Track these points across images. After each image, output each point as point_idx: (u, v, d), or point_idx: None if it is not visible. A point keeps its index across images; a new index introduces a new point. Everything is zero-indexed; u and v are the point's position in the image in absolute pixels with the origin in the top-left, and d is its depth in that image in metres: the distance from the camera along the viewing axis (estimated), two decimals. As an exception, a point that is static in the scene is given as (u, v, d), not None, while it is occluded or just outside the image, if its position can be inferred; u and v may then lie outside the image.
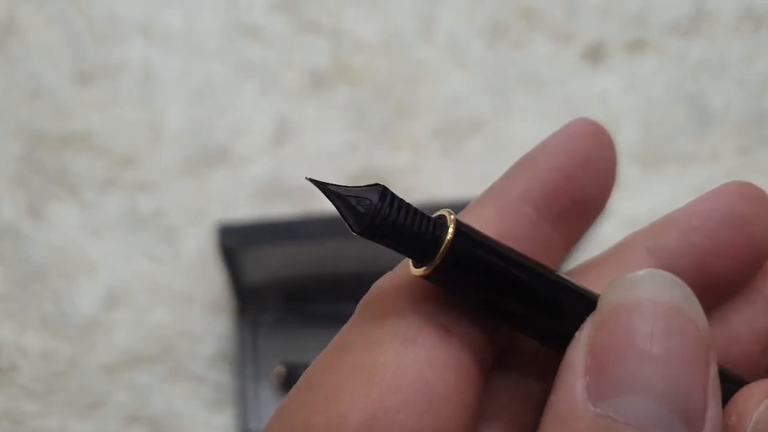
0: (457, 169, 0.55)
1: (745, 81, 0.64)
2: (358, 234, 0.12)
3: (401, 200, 0.13)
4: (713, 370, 0.11)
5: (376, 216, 0.12)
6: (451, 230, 0.12)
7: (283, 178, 0.52)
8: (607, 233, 0.53)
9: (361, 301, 0.14)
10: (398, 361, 0.12)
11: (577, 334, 0.12)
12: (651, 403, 0.10)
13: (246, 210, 0.51)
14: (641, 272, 0.12)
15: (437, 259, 0.12)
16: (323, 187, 0.13)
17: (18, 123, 0.54)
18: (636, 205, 0.55)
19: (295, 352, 0.39)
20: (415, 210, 0.12)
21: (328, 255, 0.47)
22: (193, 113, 0.57)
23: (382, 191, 0.12)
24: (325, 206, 0.58)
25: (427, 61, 0.60)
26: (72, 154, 0.53)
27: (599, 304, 0.12)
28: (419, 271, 0.12)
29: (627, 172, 0.57)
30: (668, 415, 0.10)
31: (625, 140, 0.58)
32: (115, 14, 0.61)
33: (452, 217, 0.12)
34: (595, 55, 0.65)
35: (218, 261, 0.44)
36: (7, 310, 0.47)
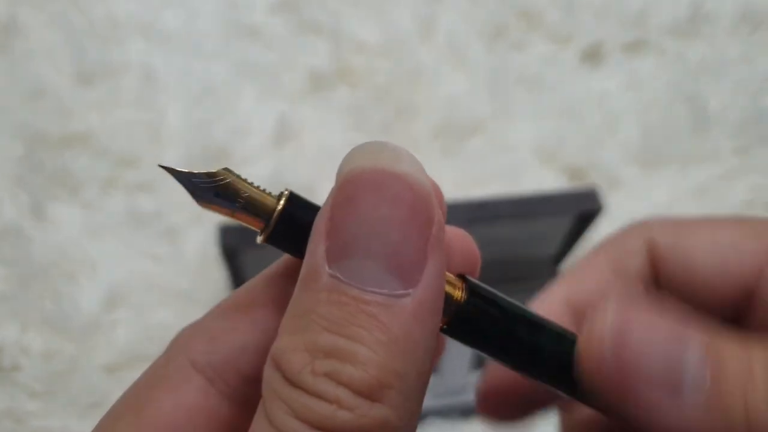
0: (457, 169, 0.55)
1: (743, 82, 0.64)
2: (200, 204, 0.14)
3: (241, 178, 0.14)
4: (435, 232, 0.12)
5: (221, 189, 0.13)
6: (283, 201, 0.13)
7: (284, 178, 0.52)
8: (606, 233, 0.53)
9: (171, 340, 0.15)
10: (159, 406, 0.13)
11: (324, 202, 0.12)
12: (370, 264, 0.11)
13: (247, 210, 0.51)
14: (369, 142, 0.12)
15: (272, 222, 0.13)
16: (171, 170, 0.14)
17: (19, 123, 0.54)
18: (635, 204, 0.55)
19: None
20: (257, 186, 0.14)
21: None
22: (193, 114, 0.57)
23: (226, 170, 0.14)
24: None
25: (426, 62, 0.60)
26: (73, 154, 0.53)
27: (337, 173, 0.12)
28: (260, 238, 0.13)
29: (626, 172, 0.57)
30: (385, 274, 0.11)
31: (624, 140, 0.58)
32: (116, 15, 0.61)
33: (287, 191, 0.13)
34: (594, 56, 0.65)
35: (219, 261, 0.44)
36: (8, 309, 0.47)
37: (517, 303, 0.16)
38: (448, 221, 0.41)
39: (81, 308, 0.47)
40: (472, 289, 0.14)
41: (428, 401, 0.46)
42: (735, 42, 0.67)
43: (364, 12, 0.64)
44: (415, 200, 0.12)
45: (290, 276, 0.13)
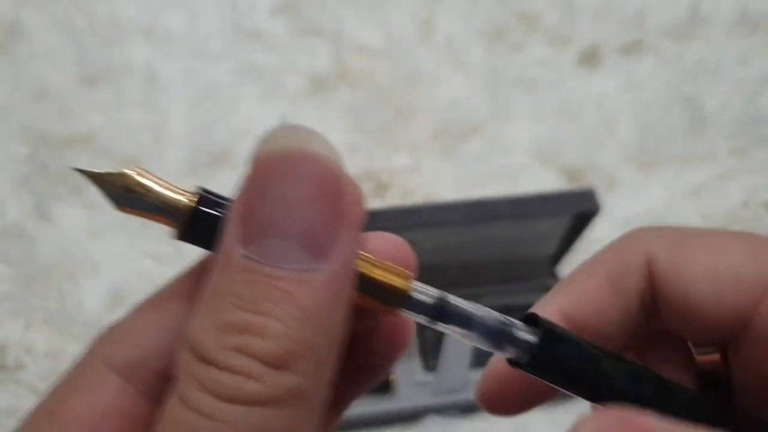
0: (456, 170, 0.55)
1: (740, 83, 0.64)
2: (117, 208, 0.14)
3: (151, 178, 0.14)
4: (346, 208, 0.12)
5: (131, 192, 0.13)
6: (196, 198, 0.13)
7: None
8: (603, 234, 0.53)
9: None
10: (73, 408, 0.14)
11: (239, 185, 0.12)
12: (282, 242, 0.12)
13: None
14: (280, 126, 0.12)
15: (184, 221, 0.13)
16: (83, 172, 0.14)
17: (23, 125, 0.54)
18: (632, 205, 0.55)
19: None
20: (171, 184, 0.14)
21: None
22: (195, 115, 0.57)
23: (137, 169, 0.14)
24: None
25: (426, 64, 0.61)
26: (76, 155, 0.54)
27: (252, 157, 0.12)
28: (174, 236, 0.13)
29: (623, 173, 0.57)
30: (296, 251, 0.11)
31: (622, 141, 0.59)
32: (118, 18, 0.62)
33: (200, 188, 0.13)
34: (591, 57, 0.65)
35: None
36: (12, 309, 0.47)
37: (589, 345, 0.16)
38: (448, 222, 0.41)
39: (84, 308, 0.47)
40: (546, 332, 0.15)
41: (428, 399, 0.47)
42: (732, 44, 0.68)
43: (365, 14, 0.64)
44: (324, 178, 0.12)
45: (208, 272, 0.13)
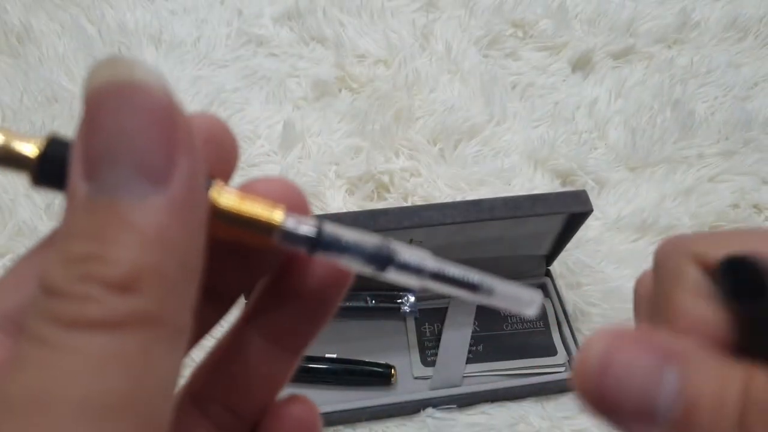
0: (453, 172, 0.56)
1: (730, 87, 0.66)
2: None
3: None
4: (181, 134, 0.12)
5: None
6: (45, 143, 0.13)
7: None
8: (595, 234, 0.55)
9: None
10: None
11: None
12: (119, 173, 0.12)
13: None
14: (104, 59, 0.12)
15: (34, 166, 0.13)
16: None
17: (33, 128, 0.55)
18: (623, 206, 0.56)
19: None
20: (23, 135, 0.14)
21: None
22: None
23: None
24: (332, 208, 0.60)
25: (424, 70, 0.62)
26: None
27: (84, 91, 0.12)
28: (29, 181, 0.14)
29: (615, 175, 0.58)
30: (135, 180, 0.12)
31: (614, 144, 0.60)
32: (127, 24, 0.63)
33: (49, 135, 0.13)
34: (585, 63, 0.67)
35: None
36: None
37: None
38: (445, 222, 0.43)
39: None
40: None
41: (426, 393, 0.48)
42: (722, 49, 0.69)
43: (366, 23, 0.66)
44: (154, 105, 0.12)
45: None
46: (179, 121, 0.12)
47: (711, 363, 0.14)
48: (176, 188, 0.12)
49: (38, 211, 0.52)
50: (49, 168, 0.13)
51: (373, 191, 0.55)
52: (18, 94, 0.58)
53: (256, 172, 0.56)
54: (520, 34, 0.67)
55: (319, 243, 0.14)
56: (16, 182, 0.53)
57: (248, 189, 0.15)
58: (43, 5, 0.64)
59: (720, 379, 0.14)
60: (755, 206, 0.58)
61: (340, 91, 0.61)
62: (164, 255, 0.12)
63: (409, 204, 0.54)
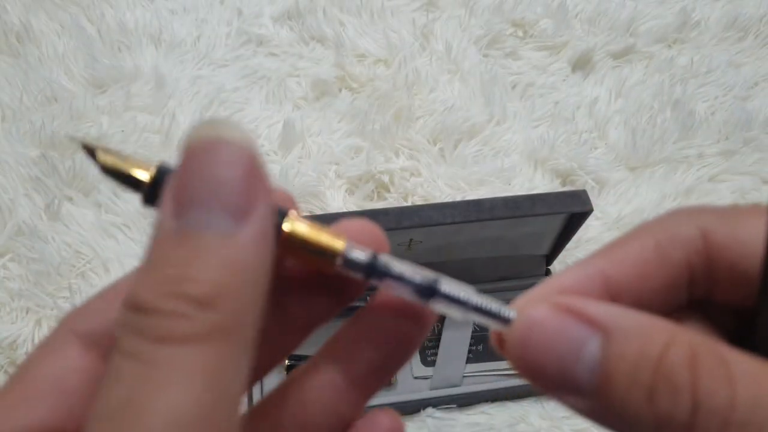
0: (453, 172, 0.56)
1: (730, 87, 0.66)
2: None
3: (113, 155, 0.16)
4: (261, 182, 0.14)
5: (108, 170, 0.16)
6: (153, 171, 0.16)
7: (290, 181, 0.54)
8: (595, 234, 0.55)
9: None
10: (41, 368, 0.16)
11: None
12: (207, 211, 0.14)
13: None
14: (205, 120, 0.14)
15: (144, 187, 0.16)
16: (81, 144, 0.17)
17: (33, 127, 0.55)
18: (623, 206, 0.56)
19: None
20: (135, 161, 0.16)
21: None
22: (203, 119, 0.58)
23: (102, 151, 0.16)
24: (332, 207, 0.60)
25: (424, 70, 0.62)
26: (85, 157, 0.54)
27: (180, 146, 0.15)
28: (140, 201, 0.16)
29: (615, 175, 0.58)
30: (220, 217, 0.14)
31: (614, 144, 0.60)
32: (127, 24, 0.63)
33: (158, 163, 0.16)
34: (585, 63, 0.67)
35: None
36: (24, 307, 0.48)
37: None
38: (445, 221, 0.43)
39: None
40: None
41: (426, 393, 0.48)
42: (723, 48, 0.69)
43: (366, 22, 0.66)
44: (240, 159, 0.14)
45: None
46: (259, 171, 0.14)
47: (634, 330, 0.15)
48: (254, 225, 0.14)
49: (38, 211, 0.52)
50: (157, 192, 0.15)
51: (373, 191, 0.55)
52: (18, 94, 0.58)
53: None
54: (520, 33, 0.67)
55: (373, 270, 0.16)
56: (16, 182, 0.53)
57: (336, 226, 0.17)
58: (43, 5, 0.64)
59: (639, 347, 0.14)
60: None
61: (340, 90, 0.61)
62: (239, 279, 0.14)
63: (409, 204, 0.54)
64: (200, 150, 0.14)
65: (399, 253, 0.45)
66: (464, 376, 0.48)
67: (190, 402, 0.12)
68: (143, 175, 0.15)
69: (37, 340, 0.48)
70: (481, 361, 0.49)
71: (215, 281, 0.13)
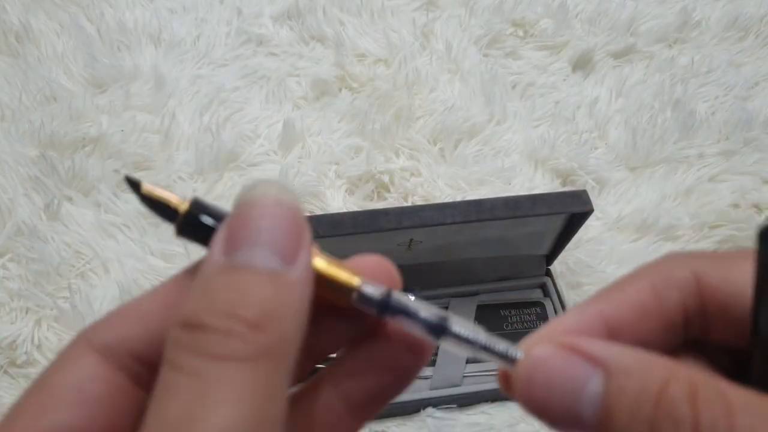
0: (453, 172, 0.56)
1: (731, 87, 0.66)
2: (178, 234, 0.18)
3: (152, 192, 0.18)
4: (306, 236, 0.16)
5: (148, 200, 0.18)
6: (187, 204, 0.17)
7: (290, 181, 0.53)
8: (595, 234, 0.55)
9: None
10: (58, 378, 0.17)
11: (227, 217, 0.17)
12: (258, 249, 0.15)
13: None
14: (258, 180, 0.17)
15: (179, 219, 0.17)
16: (129, 180, 0.18)
17: (33, 127, 0.55)
18: (624, 206, 0.56)
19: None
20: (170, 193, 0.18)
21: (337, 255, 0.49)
22: (202, 118, 0.58)
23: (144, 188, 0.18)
24: (332, 208, 0.60)
25: (425, 69, 0.62)
26: (85, 156, 0.55)
27: (236, 200, 0.17)
28: (174, 232, 0.17)
29: (615, 175, 0.58)
30: (270, 257, 0.15)
31: (614, 144, 0.60)
32: (126, 23, 0.63)
33: (192, 198, 0.17)
34: (585, 63, 0.67)
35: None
36: (23, 306, 0.48)
37: None
38: (446, 222, 0.43)
39: (94, 305, 0.48)
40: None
41: (426, 393, 0.48)
42: (723, 48, 0.69)
43: (366, 22, 0.66)
44: (289, 214, 0.16)
45: (181, 290, 0.17)
46: (303, 223, 0.16)
47: (634, 367, 0.15)
48: (299, 266, 0.16)
49: (37, 211, 0.52)
50: (190, 224, 0.17)
51: (373, 191, 0.55)
52: (17, 94, 0.57)
53: (256, 172, 0.56)
54: (520, 33, 0.67)
55: (387, 307, 0.17)
56: (16, 182, 0.53)
57: (351, 261, 0.19)
58: (42, 4, 0.64)
59: (639, 382, 0.15)
60: (755, 206, 0.57)
61: (340, 90, 0.61)
62: (286, 308, 0.15)
63: (409, 204, 0.54)
64: (253, 204, 0.16)
65: (399, 253, 0.45)
66: (464, 376, 0.48)
67: (240, 417, 0.14)
68: (179, 205, 0.17)
69: (36, 340, 0.48)
70: (482, 361, 0.49)
71: (265, 308, 0.15)
